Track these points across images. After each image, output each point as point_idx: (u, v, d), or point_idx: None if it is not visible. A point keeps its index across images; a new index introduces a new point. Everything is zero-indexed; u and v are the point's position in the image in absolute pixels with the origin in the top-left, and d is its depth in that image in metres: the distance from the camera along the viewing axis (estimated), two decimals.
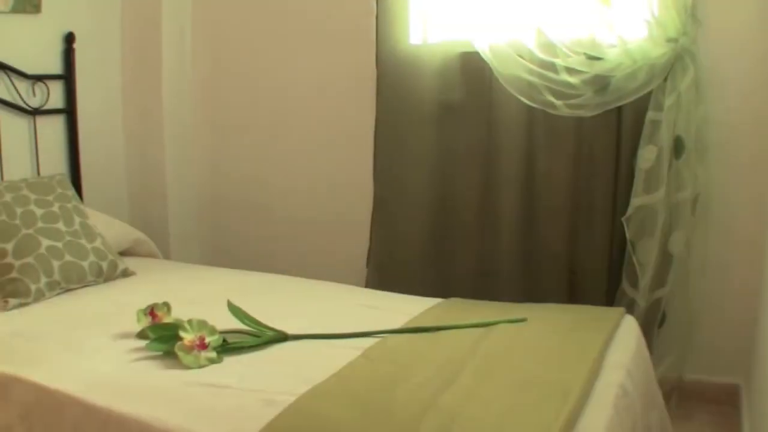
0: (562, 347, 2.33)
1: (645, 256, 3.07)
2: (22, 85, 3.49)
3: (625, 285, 3.14)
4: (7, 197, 2.97)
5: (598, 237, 3.24)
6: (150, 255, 3.56)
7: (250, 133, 4.01)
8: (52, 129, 3.66)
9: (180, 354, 2.22)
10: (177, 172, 4.02)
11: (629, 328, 2.58)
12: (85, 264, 2.99)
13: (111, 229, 3.32)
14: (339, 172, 3.78)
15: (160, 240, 3.68)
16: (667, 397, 2.83)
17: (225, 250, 4.11)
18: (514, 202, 3.31)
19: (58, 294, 2.91)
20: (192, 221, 4.13)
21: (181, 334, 2.27)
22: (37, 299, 2.83)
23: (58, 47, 3.65)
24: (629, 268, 3.12)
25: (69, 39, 3.65)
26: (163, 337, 2.32)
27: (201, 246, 4.15)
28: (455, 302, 2.83)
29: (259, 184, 4.01)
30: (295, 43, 3.81)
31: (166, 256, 3.75)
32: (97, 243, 3.10)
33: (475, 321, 2.52)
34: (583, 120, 3.11)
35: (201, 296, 2.82)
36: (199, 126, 4.11)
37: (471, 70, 3.29)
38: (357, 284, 3.28)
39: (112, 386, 2.13)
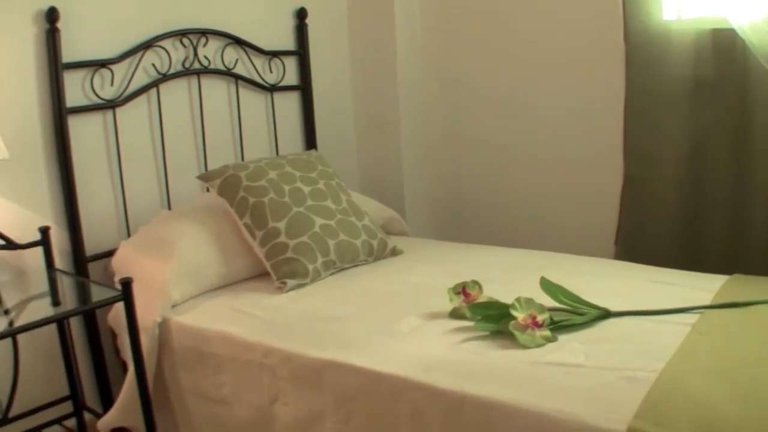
0: None
1: None
2: (258, 62, 3.45)
3: None
4: (272, 174, 2.92)
5: None
6: (401, 233, 3.47)
7: (491, 106, 3.85)
8: (286, 105, 3.62)
9: (516, 333, 2.14)
10: (412, 146, 3.93)
11: None
12: (358, 243, 2.92)
13: (366, 206, 3.23)
14: (584, 146, 3.60)
15: None
16: None
17: (460, 224, 4.01)
18: None
19: (333, 274, 2.86)
20: (427, 196, 4.05)
21: (513, 312, 2.18)
22: (313, 279, 2.77)
23: (289, 23, 3.61)
24: None
25: (301, 14, 3.60)
26: (490, 316, 2.24)
27: (434, 220, 4.07)
28: (741, 278, 2.68)
29: (499, 159, 3.87)
30: (534, 14, 3.63)
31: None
32: (366, 221, 3.03)
33: None
34: None
35: (485, 274, 2.64)
36: (434, 100, 4.00)
37: (723, 46, 3.11)
38: None
39: (453, 368, 2.04)
